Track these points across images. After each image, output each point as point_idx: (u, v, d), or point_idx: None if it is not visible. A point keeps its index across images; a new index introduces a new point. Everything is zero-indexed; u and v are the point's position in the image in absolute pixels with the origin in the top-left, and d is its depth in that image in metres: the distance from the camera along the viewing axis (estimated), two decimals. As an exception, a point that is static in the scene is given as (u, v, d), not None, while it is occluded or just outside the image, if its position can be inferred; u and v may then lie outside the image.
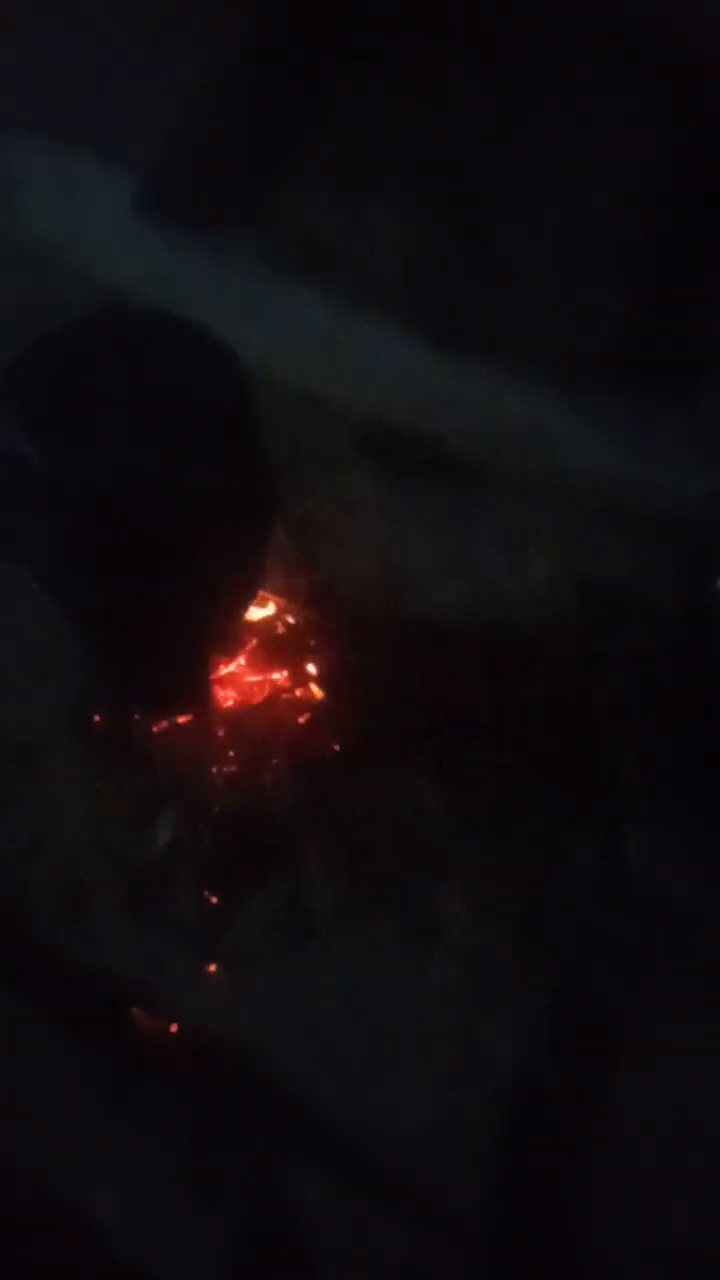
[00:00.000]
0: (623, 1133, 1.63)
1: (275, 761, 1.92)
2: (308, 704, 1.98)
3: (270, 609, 2.04)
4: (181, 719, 1.95)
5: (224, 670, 2.00)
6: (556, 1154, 1.63)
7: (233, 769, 1.92)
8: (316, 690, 1.99)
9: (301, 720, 1.96)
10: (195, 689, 1.94)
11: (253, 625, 2.02)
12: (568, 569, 2.02)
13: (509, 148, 2.18)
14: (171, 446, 1.54)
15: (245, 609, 1.95)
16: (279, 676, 2.01)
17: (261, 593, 2.00)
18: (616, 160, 2.16)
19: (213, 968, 1.77)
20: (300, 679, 2.00)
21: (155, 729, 1.95)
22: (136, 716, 1.95)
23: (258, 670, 2.01)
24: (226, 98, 2.20)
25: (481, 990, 1.71)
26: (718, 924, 1.76)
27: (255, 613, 2.02)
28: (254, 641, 2.02)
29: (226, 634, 1.95)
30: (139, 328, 1.65)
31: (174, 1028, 1.75)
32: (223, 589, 1.81)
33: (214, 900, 1.83)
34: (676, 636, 1.89)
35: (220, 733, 1.95)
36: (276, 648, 2.02)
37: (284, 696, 1.99)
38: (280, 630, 2.04)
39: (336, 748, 1.93)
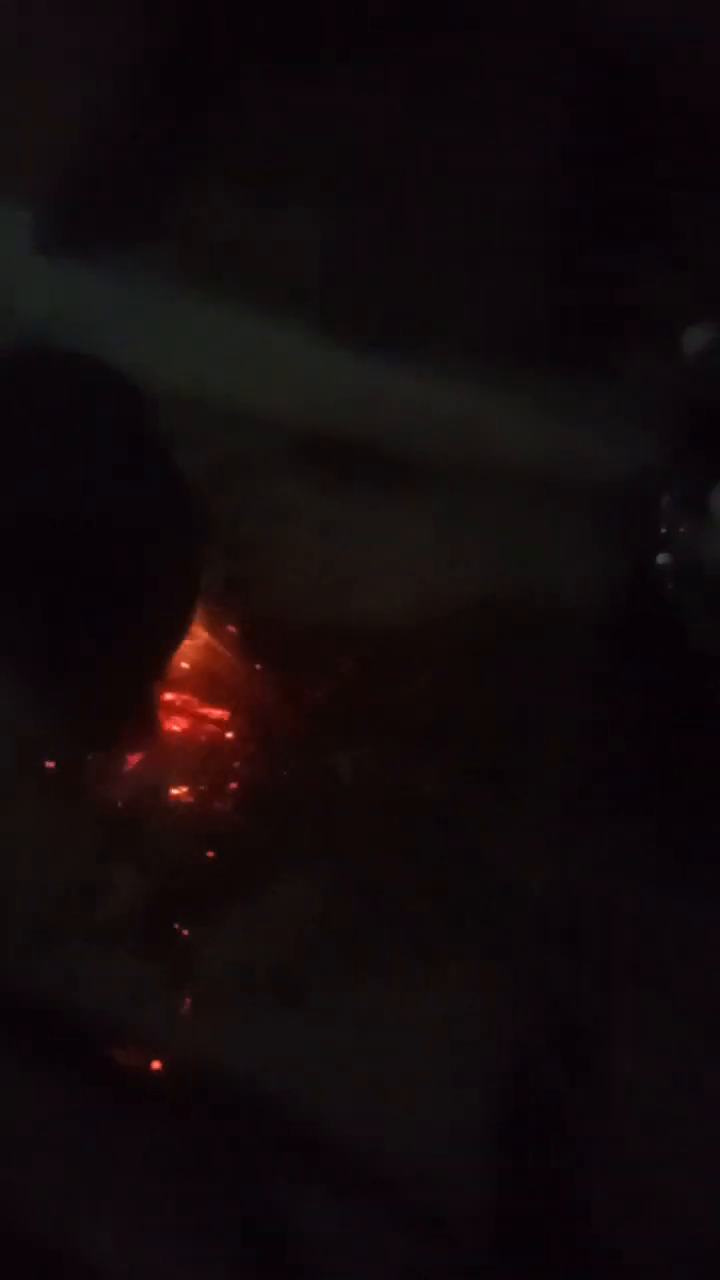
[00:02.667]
0: (620, 1119, 1.60)
1: (233, 787, 1.90)
2: (259, 725, 1.95)
3: (213, 631, 2.02)
4: (133, 754, 1.92)
5: (171, 699, 1.97)
6: (555, 1148, 1.61)
7: (190, 800, 1.89)
8: (267, 709, 1.96)
9: (253, 745, 1.93)
10: (142, 721, 1.92)
11: (197, 649, 1.99)
12: (510, 560, 1.98)
13: (410, 141, 2.15)
14: (75, 478, 1.52)
15: (185, 634, 1.93)
16: (227, 700, 1.98)
17: (203, 615, 1.98)
18: (518, 141, 2.12)
19: (188, 1000, 1.75)
20: (249, 700, 1.97)
21: (109, 766, 1.92)
22: (88, 755, 1.93)
23: (205, 695, 1.98)
24: (120, 120, 2.18)
25: (466, 993, 1.68)
26: (678, 923, 1.72)
27: (199, 636, 1.99)
28: (200, 666, 2.00)
29: (169, 661, 1.93)
30: (36, 366, 1.64)
31: (156, 1065, 1.73)
32: (159, 616, 1.79)
33: (185, 933, 1.80)
34: (623, 620, 1.86)
35: (175, 763, 1.93)
36: (223, 670, 2.00)
37: (235, 719, 1.96)
38: (226, 652, 2.02)
39: (286, 772, 1.89)
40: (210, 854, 1.84)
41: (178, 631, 1.88)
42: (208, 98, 2.21)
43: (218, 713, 1.96)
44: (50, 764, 1.91)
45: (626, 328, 1.99)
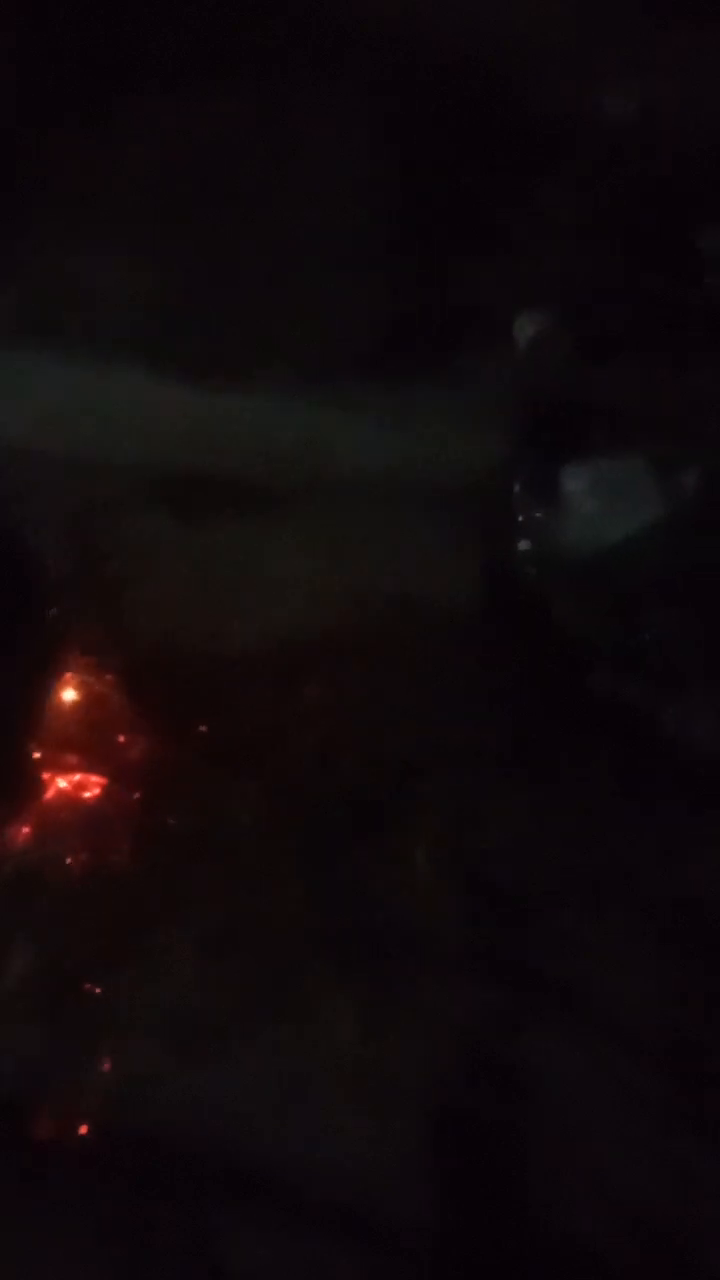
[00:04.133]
0: (544, 1114, 1.57)
1: (124, 840, 1.84)
2: (146, 772, 1.90)
3: (90, 679, 1.97)
4: (15, 819, 1.85)
5: (52, 755, 1.91)
6: (484, 1148, 1.57)
7: (83, 856, 1.82)
8: (147, 756, 1.91)
9: (142, 794, 1.87)
10: (19, 784, 1.85)
11: (76, 699, 1.94)
12: (376, 569, 1.99)
13: (227, 175, 2.18)
14: None
15: (50, 683, 1.88)
16: (112, 749, 1.92)
17: (78, 663, 1.93)
18: (335, 161, 2.17)
19: (101, 1057, 1.66)
20: (135, 746, 1.92)
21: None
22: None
23: (89, 747, 1.92)
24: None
25: (376, 1014, 1.65)
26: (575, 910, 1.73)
27: (76, 685, 1.94)
28: (80, 716, 1.94)
29: (34, 715, 1.88)
30: None
31: (83, 1128, 1.64)
32: (11, 668, 1.75)
33: (92, 991, 1.72)
34: (491, 610, 1.87)
35: (62, 823, 1.86)
36: (104, 718, 1.94)
37: (121, 769, 1.91)
38: (106, 698, 1.97)
39: (172, 821, 1.84)
40: (106, 911, 1.77)
41: (40, 682, 1.84)
42: (25, 151, 2.21)
43: (103, 764, 1.90)
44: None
45: (457, 329, 2.03)
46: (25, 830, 1.85)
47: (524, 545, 1.82)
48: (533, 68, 2.05)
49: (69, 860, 1.82)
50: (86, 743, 1.92)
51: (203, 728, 1.92)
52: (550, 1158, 1.54)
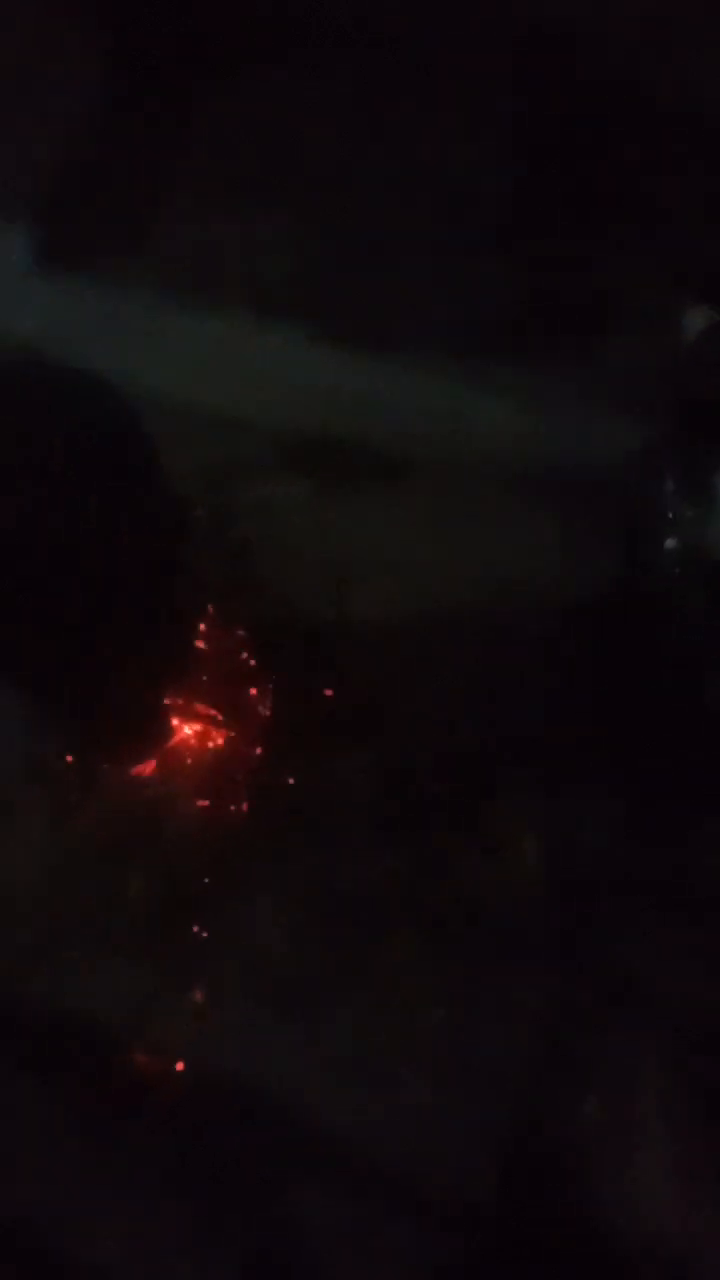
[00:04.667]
0: (621, 1117, 1.61)
1: (241, 792, 1.92)
2: (266, 729, 1.97)
3: (217, 635, 2.03)
4: (142, 761, 1.94)
5: (179, 705, 1.99)
6: (558, 1142, 1.62)
7: (200, 806, 1.91)
8: (271, 715, 1.97)
9: (261, 750, 1.94)
10: (150, 726, 1.94)
11: (202, 655, 2.01)
12: (504, 552, 1.99)
13: (373, 141, 2.15)
14: (63, 492, 1.55)
15: (190, 637, 1.95)
16: (234, 705, 1.99)
17: (206, 619, 1.99)
18: (478, 134, 2.12)
19: (197, 1006, 1.76)
20: (256, 704, 1.99)
21: (118, 770, 1.95)
22: (99, 761, 1.95)
23: (212, 701, 2.00)
24: (94, 137, 2.20)
25: (467, 994, 1.71)
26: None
27: (203, 641, 2.01)
28: (205, 671, 2.01)
29: (176, 666, 1.95)
30: (26, 380, 1.67)
31: (179, 1065, 1.75)
32: (160, 624, 1.81)
33: (204, 935, 1.82)
34: (619, 608, 1.86)
35: (184, 770, 1.95)
36: (229, 674, 2.01)
37: (242, 724, 1.98)
38: (231, 655, 2.03)
39: (291, 780, 1.91)
40: (218, 860, 1.86)
41: (180, 638, 1.91)
42: (177, 116, 2.22)
43: (226, 718, 1.98)
44: (59, 771, 1.93)
45: (605, 315, 1.98)
46: (151, 769, 1.95)
47: (672, 544, 1.80)
48: (681, 42, 1.94)
49: (185, 805, 1.92)
50: (213, 695, 2.00)
51: (325, 692, 1.97)
52: (615, 1152, 1.59)
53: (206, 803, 1.92)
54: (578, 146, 2.05)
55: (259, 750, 1.95)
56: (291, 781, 1.91)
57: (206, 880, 1.84)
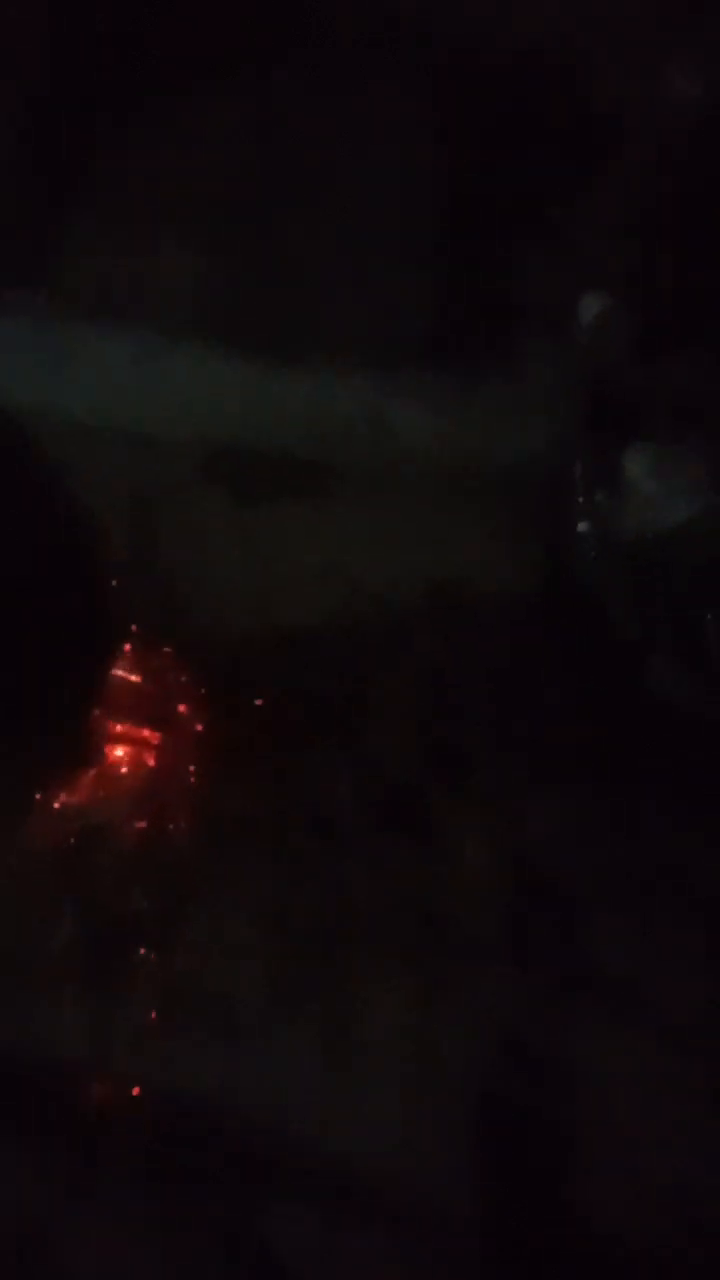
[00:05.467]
0: (592, 1107, 1.60)
1: (179, 811, 1.88)
2: (198, 747, 1.93)
3: (147, 654, 2.00)
4: (74, 787, 1.89)
5: (109, 727, 1.95)
6: (531, 1139, 1.60)
7: (136, 825, 1.86)
8: (204, 730, 1.94)
9: (196, 767, 1.91)
10: (75, 750, 1.89)
11: (132, 675, 1.98)
12: (428, 552, 2.01)
13: (281, 161, 2.19)
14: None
15: (111, 657, 1.92)
16: (168, 723, 1.96)
17: (135, 639, 1.96)
18: (391, 149, 2.17)
19: (147, 1030, 1.70)
20: (190, 720, 1.95)
21: (50, 798, 1.89)
22: (27, 789, 1.89)
23: (145, 720, 1.96)
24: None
25: (425, 1000, 1.69)
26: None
27: (132, 661, 1.98)
28: (136, 690, 1.98)
29: (97, 688, 1.91)
30: None
31: (135, 1090, 1.68)
32: (75, 647, 1.78)
33: (147, 957, 1.76)
34: (545, 597, 1.89)
35: (118, 793, 1.90)
36: (160, 692, 1.98)
37: (177, 742, 1.94)
38: (159, 673, 2.00)
39: (223, 796, 1.89)
40: (157, 880, 1.80)
41: (101, 659, 1.87)
42: (80, 146, 2.23)
43: (159, 737, 1.94)
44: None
45: (515, 315, 2.04)
46: (82, 796, 1.90)
47: (583, 527, 1.83)
48: (592, 56, 2.04)
49: (123, 828, 1.87)
50: (143, 714, 1.96)
51: (256, 703, 1.95)
52: (591, 1149, 1.57)
53: (144, 824, 1.88)
54: (489, 156, 2.11)
55: (193, 767, 1.92)
56: (223, 797, 1.88)
57: (147, 903, 1.79)
